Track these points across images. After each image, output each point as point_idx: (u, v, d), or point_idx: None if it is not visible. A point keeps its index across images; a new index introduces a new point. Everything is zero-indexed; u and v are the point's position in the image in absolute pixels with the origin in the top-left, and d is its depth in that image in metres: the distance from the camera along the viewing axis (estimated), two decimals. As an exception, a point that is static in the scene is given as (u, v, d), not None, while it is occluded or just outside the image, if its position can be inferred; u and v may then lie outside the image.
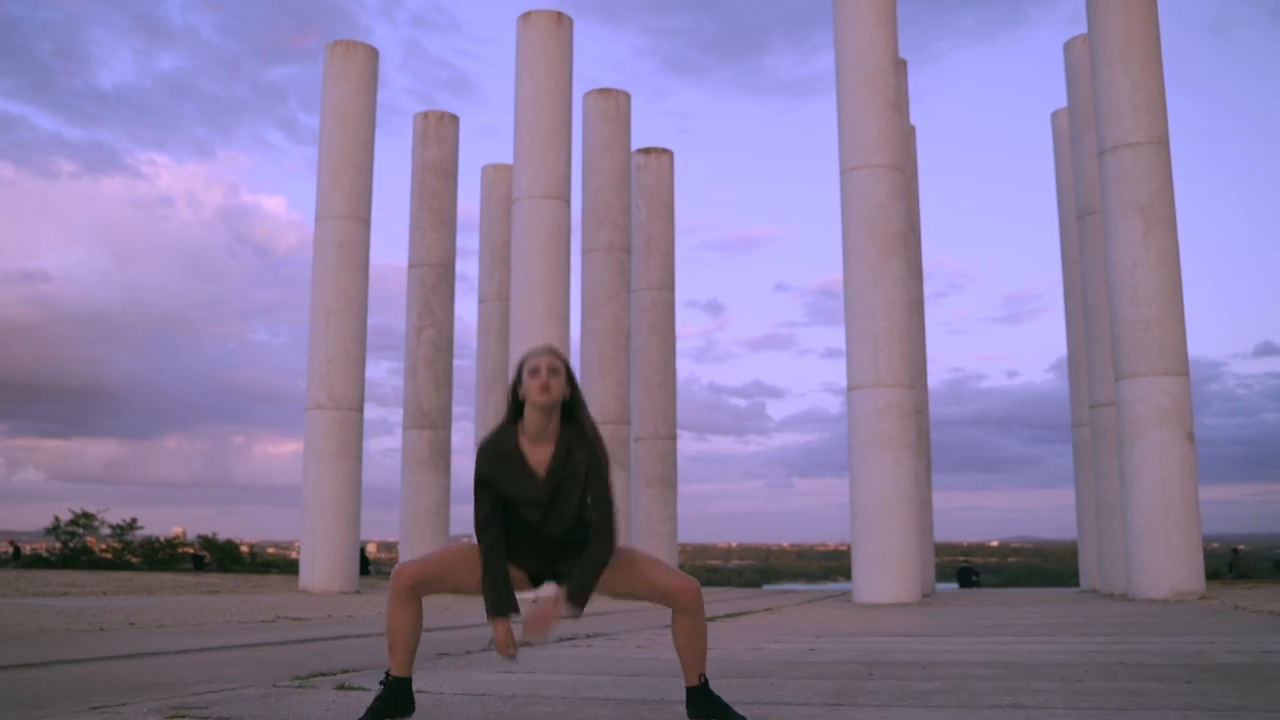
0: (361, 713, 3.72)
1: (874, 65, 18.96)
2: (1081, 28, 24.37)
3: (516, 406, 3.61)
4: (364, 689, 4.52)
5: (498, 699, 4.24)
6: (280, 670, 5.43)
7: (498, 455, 3.58)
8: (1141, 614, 12.13)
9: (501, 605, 3.53)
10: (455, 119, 28.09)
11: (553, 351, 3.64)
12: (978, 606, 15.60)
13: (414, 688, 4.30)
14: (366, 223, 22.15)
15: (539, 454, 3.58)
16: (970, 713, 3.69)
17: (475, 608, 14.40)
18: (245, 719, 3.68)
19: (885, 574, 17.25)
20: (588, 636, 8.44)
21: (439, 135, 27.55)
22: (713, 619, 11.87)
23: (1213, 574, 27.62)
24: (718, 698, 3.65)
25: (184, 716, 3.71)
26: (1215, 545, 34.79)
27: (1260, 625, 9.38)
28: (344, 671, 5.30)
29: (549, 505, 3.58)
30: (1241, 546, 33.66)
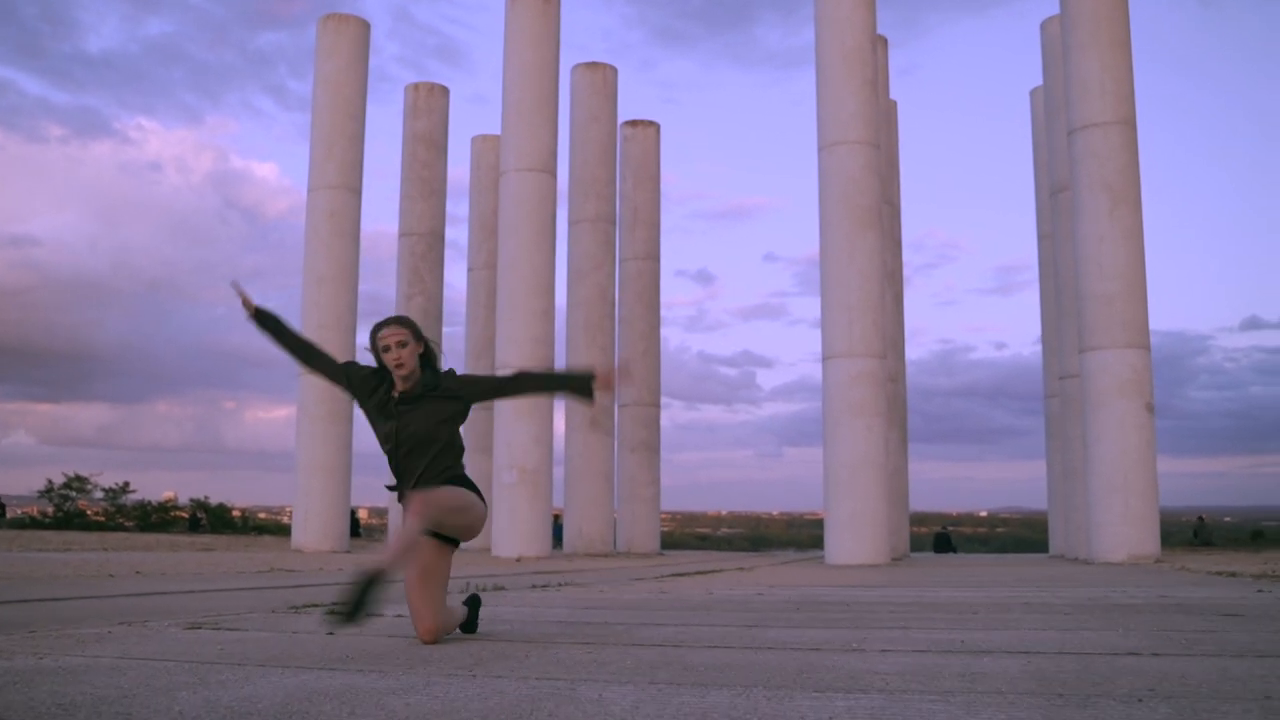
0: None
1: (852, 44, 19.53)
2: (1058, 6, 24.88)
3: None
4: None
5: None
6: (278, 604, 6.12)
7: (371, 379, 4.14)
8: (1088, 573, 12.89)
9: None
10: (445, 90, 28.60)
11: (399, 321, 4.08)
12: (939, 568, 16.38)
13: (395, 613, 5.00)
14: (357, 193, 22.71)
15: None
16: (856, 631, 4.38)
17: (456, 563, 14.86)
18: (251, 629, 4.36)
19: (855, 536, 18.01)
20: (559, 586, 9.15)
21: (429, 107, 28.07)
22: (682, 574, 12.60)
23: (1182, 542, 28.52)
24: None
25: (200, 627, 4.39)
26: (1203, 516, 35.63)
27: (1183, 581, 10.11)
28: (314, 606, 5.99)
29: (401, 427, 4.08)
30: (1208, 516, 34.51)
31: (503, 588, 8.25)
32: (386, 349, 4.00)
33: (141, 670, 3.03)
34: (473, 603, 4.45)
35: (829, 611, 5.68)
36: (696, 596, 7.31)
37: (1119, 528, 17.85)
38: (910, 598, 7.16)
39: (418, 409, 4.03)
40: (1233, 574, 11.81)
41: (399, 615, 5.17)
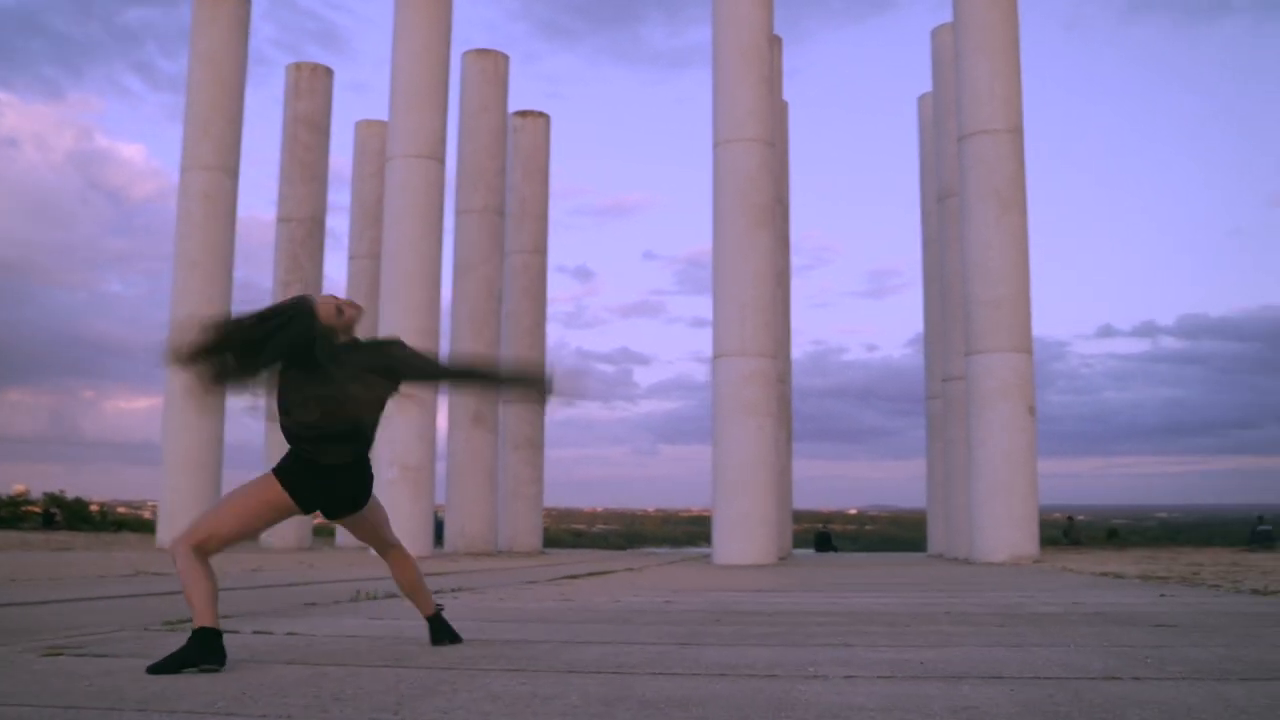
0: (233, 650, 3.89)
1: (749, 40, 19.40)
2: (947, 15, 25.29)
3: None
4: (236, 631, 4.69)
5: (368, 639, 4.47)
6: (149, 617, 5.54)
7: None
8: (978, 574, 12.93)
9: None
10: (329, 71, 27.61)
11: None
12: (828, 568, 16.33)
13: (286, 630, 4.51)
14: (235, 175, 21.69)
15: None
16: (801, 650, 4.07)
17: (336, 563, 14.09)
18: (123, 654, 3.83)
19: (744, 537, 17.87)
20: (453, 591, 8.67)
21: (312, 88, 27.05)
22: (575, 577, 12.21)
23: (1050, 540, 29.26)
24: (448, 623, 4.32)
25: (61, 653, 3.84)
26: (1056, 515, 36.69)
27: (1080, 584, 10.15)
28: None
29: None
30: (1079, 516, 35.58)
31: (394, 594, 7.74)
32: (340, 311, 3.82)
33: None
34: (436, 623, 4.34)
35: (754, 624, 5.37)
36: (604, 605, 6.94)
37: (1001, 529, 18.08)
38: (824, 606, 6.92)
39: (352, 367, 3.78)
40: (1118, 575, 11.96)
41: (290, 633, 4.68)
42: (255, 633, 4.66)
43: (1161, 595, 7.73)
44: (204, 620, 3.54)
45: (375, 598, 7.34)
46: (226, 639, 4.39)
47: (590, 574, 13.23)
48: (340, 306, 3.77)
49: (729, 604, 7.08)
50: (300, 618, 5.56)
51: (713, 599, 7.75)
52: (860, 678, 3.26)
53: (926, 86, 27.10)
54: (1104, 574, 12.56)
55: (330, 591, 8.11)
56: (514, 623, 5.44)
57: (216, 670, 3.38)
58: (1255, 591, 8.29)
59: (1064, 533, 30.12)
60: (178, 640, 4.29)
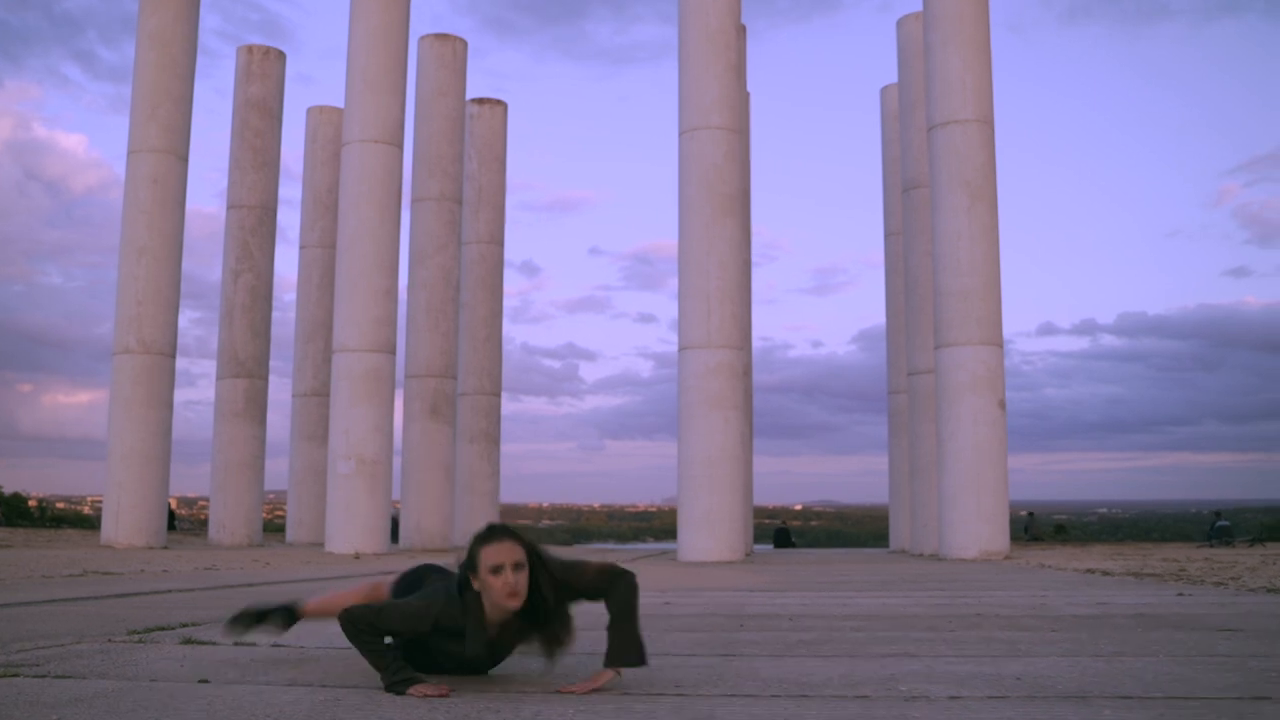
0: (217, 667, 3.38)
1: (716, 26, 18.97)
2: (910, 5, 25.07)
3: (465, 581, 3.15)
4: (213, 643, 4.16)
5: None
6: (110, 625, 4.97)
7: (450, 623, 3.17)
8: (960, 571, 12.61)
9: (410, 674, 3.10)
10: (282, 55, 26.79)
11: (514, 536, 3.15)
12: (800, 566, 15.95)
13: (270, 641, 4.03)
14: (184, 159, 20.86)
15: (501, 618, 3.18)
16: (866, 662, 3.64)
17: (291, 561, 13.42)
18: (90, 675, 3.29)
19: (711, 533, 17.46)
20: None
21: (263, 72, 26.21)
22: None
23: (1010, 536, 29.18)
24: None
25: (18, 673, 3.29)
26: (1032, 512, 36.82)
27: (1078, 582, 9.84)
28: (184, 626, 4.89)
29: (492, 661, 3.34)
30: (1033, 512, 35.67)
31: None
32: (499, 569, 3.07)
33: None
34: None
35: (784, 630, 4.93)
36: (599, 609, 6.47)
37: (971, 524, 17.84)
38: (839, 608, 6.50)
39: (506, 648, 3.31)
40: (1106, 573, 11.70)
41: (276, 645, 4.15)
42: (237, 645, 4.13)
43: (1180, 595, 7.41)
44: None
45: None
46: (204, 653, 3.86)
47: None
48: (513, 591, 3.06)
49: (735, 606, 6.63)
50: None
51: (711, 600, 7.30)
52: (967, 698, 2.82)
53: (881, 80, 26.93)
54: (1089, 571, 12.30)
55: (298, 592, 7.53)
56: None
57: None
58: (1270, 590, 8.01)
59: (1024, 529, 30.08)
60: (147, 653, 3.76)
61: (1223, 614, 5.60)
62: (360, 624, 3.18)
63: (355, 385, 19.38)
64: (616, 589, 3.18)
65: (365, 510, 19.00)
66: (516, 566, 3.04)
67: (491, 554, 3.06)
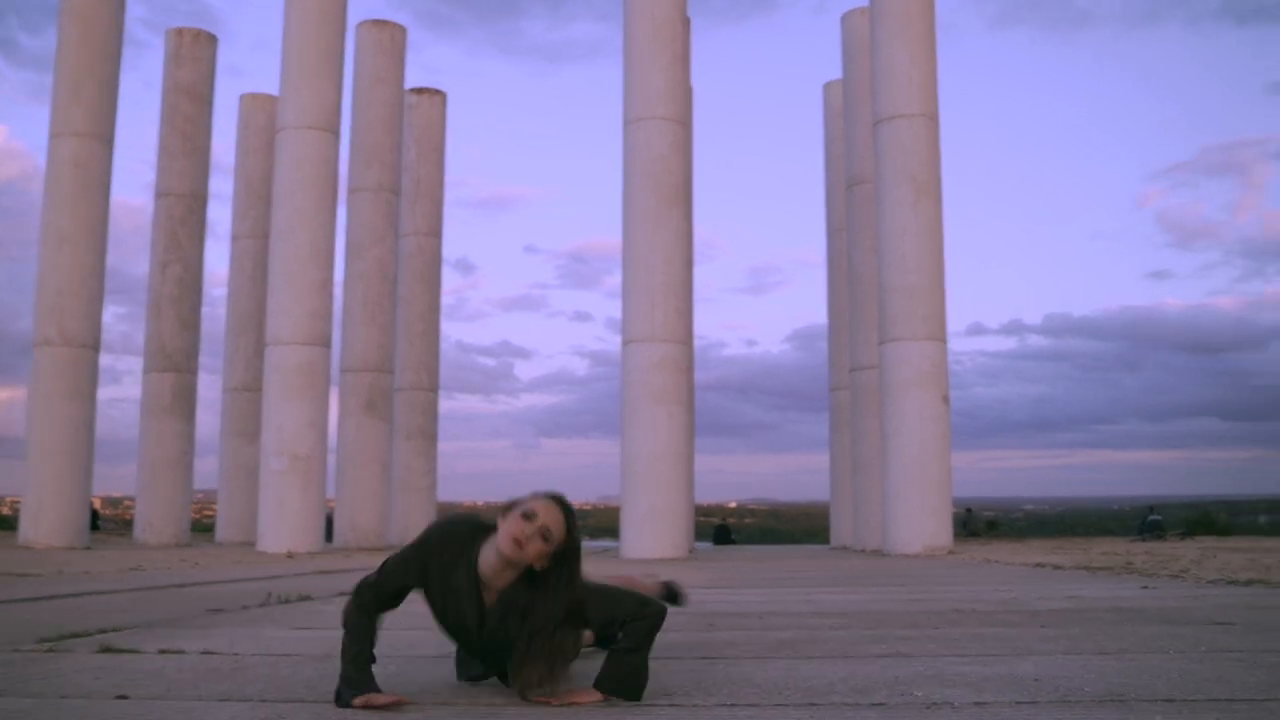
0: (138, 679, 2.99)
1: (663, 18, 18.68)
2: (850, 3, 24.97)
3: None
4: (137, 651, 3.75)
5: (309, 660, 3.58)
6: (16, 632, 4.52)
7: (448, 557, 2.86)
8: (910, 567, 12.44)
9: (364, 681, 2.75)
10: (213, 39, 25.99)
11: (563, 507, 2.89)
12: (745, 562, 15.72)
13: (201, 647, 3.63)
14: (109, 143, 20.07)
15: (498, 580, 2.86)
16: (862, 664, 3.35)
17: (222, 560, 12.87)
18: (9, 693, 2.88)
19: (655, 530, 17.16)
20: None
21: (194, 55, 25.40)
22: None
23: (947, 532, 29.29)
24: None
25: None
26: (970, 508, 37.05)
27: (1035, 577, 9.69)
28: (103, 632, 4.46)
29: (484, 630, 2.91)
30: (971, 508, 35.90)
31: (308, 596, 6.78)
32: (530, 515, 2.80)
33: None
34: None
35: (760, 630, 4.63)
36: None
37: (915, 520, 17.75)
38: (805, 605, 6.22)
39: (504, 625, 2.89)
40: (1057, 567, 11.61)
41: (206, 652, 3.75)
42: (162, 652, 3.72)
43: (1145, 588, 7.25)
44: None
45: (288, 601, 6.38)
46: (124, 662, 3.46)
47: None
48: (519, 539, 2.76)
49: (695, 604, 6.31)
50: (210, 629, 4.62)
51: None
52: (994, 704, 2.54)
53: (820, 78, 26.87)
54: (1038, 565, 12.20)
55: (233, 594, 7.10)
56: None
57: None
58: (1231, 582, 7.90)
59: (963, 524, 30.21)
60: (58, 664, 3.35)
61: (1200, 607, 5.41)
62: (358, 595, 2.87)
63: (288, 379, 18.79)
64: (642, 618, 2.81)
65: (298, 508, 18.43)
66: (544, 534, 2.76)
67: (536, 505, 2.82)
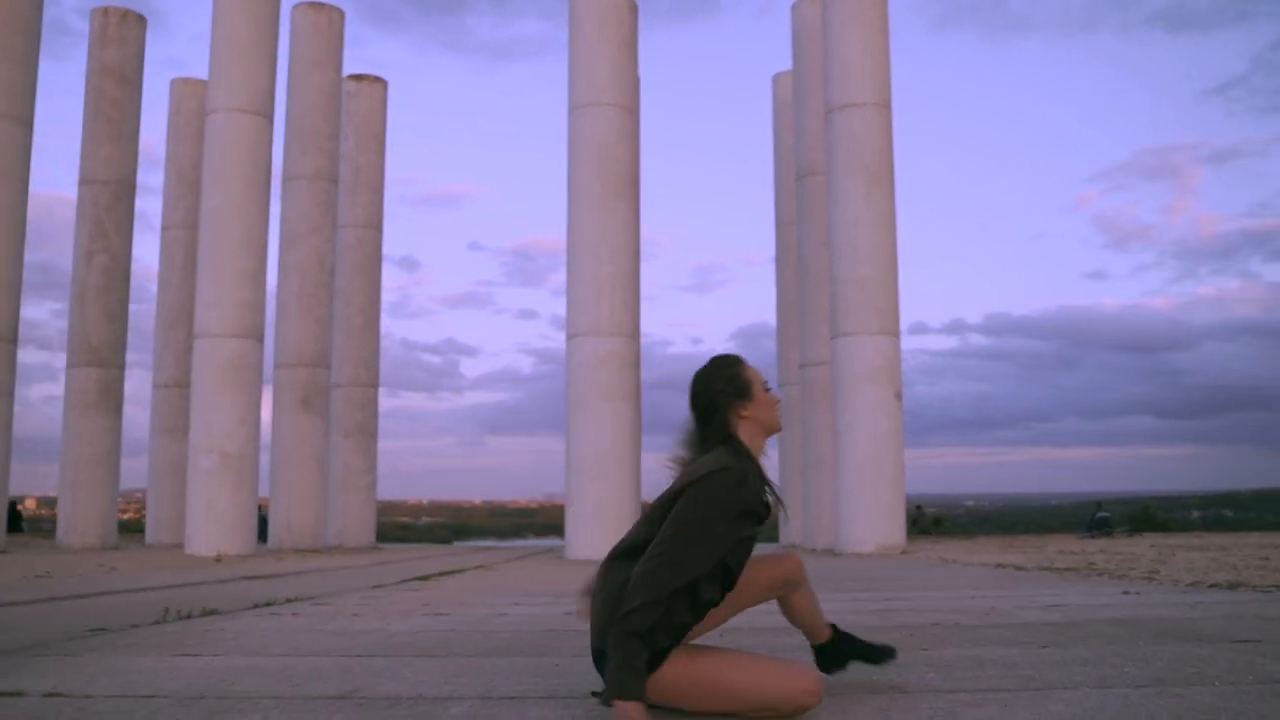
0: None
1: (610, 1, 18.09)
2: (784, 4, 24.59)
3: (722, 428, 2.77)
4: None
5: (176, 703, 2.93)
6: None
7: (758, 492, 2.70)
8: (868, 568, 11.94)
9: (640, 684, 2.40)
10: (142, 20, 24.95)
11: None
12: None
13: (47, 687, 2.98)
14: (28, 125, 19.01)
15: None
16: (848, 702, 2.78)
17: (143, 565, 12.03)
18: None
19: (601, 529, 16.58)
20: (289, 601, 7.05)
21: (121, 36, 24.36)
22: (426, 578, 10.68)
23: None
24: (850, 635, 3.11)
25: None
26: (920, 505, 36.84)
27: (1001, 580, 9.22)
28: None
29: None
30: (921, 506, 35.68)
31: (214, 611, 6.08)
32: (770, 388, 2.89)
33: None
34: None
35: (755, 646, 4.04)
36: (492, 621, 5.51)
37: (868, 518, 17.33)
38: (758, 613, 5.64)
39: None
40: (1019, 568, 11.18)
41: (51, 694, 3.09)
42: (3, 695, 3.05)
43: (1126, 593, 6.78)
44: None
45: (189, 617, 5.69)
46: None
47: (441, 573, 11.71)
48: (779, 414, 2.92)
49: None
50: (78, 656, 3.94)
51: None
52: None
53: (768, 71, 26.45)
54: (998, 565, 11.77)
55: (129, 607, 6.39)
56: (388, 658, 3.95)
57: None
58: (1213, 585, 7.46)
59: (913, 521, 29.87)
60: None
61: (1206, 618, 4.92)
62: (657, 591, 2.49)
63: (218, 374, 17.96)
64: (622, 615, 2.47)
65: (228, 509, 17.62)
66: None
67: (758, 375, 2.84)
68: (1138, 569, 10.38)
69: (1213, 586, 7.35)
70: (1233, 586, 7.18)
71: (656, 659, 2.50)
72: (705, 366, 2.86)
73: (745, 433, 2.78)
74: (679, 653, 2.55)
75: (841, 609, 6.09)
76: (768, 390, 2.83)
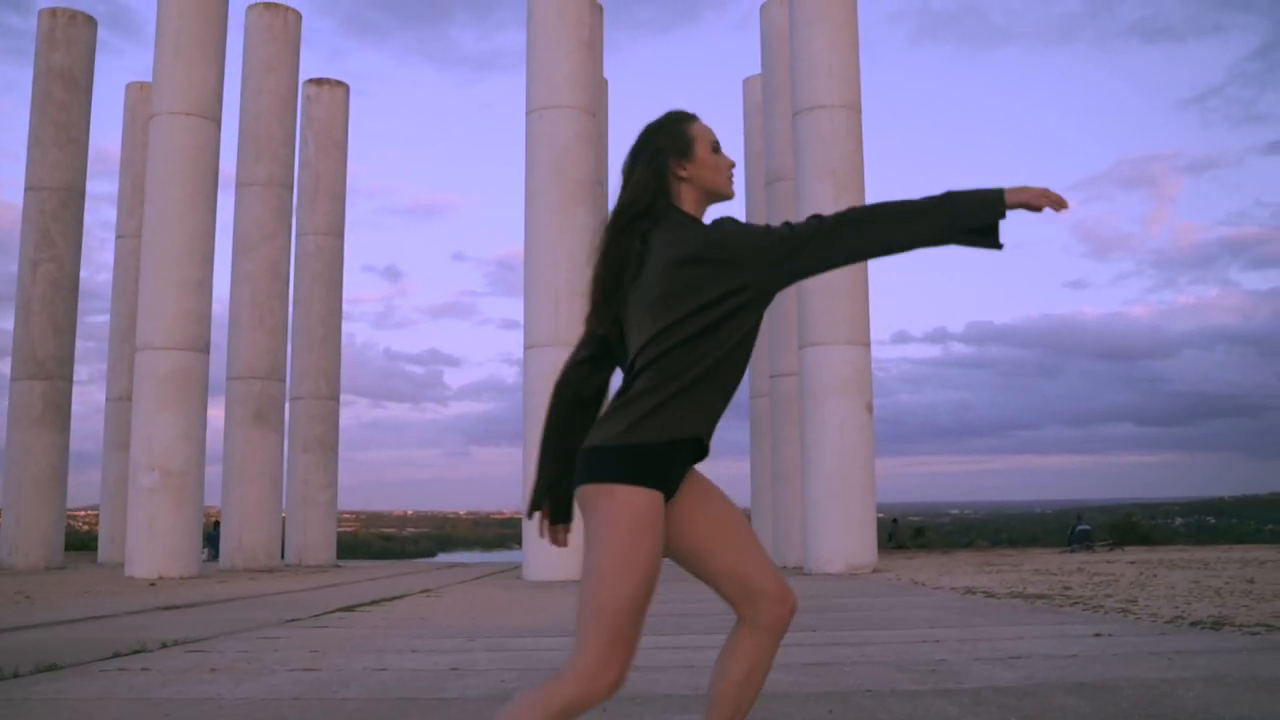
0: None
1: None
2: (744, 11, 23.98)
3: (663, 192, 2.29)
4: None
5: None
6: None
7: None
8: (830, 592, 11.24)
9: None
10: (91, 21, 24.14)
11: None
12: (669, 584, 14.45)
13: None
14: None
15: None
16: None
17: (64, 591, 10.97)
18: None
19: (560, 552, 15.83)
20: (162, 647, 6.29)
21: (69, 38, 23.54)
22: (352, 608, 9.95)
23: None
24: None
25: None
26: (895, 519, 36.32)
27: (962, 609, 8.55)
28: None
29: None
30: (897, 519, 35.11)
31: (54, 665, 5.28)
32: (718, 148, 2.39)
33: None
34: None
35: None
36: (362, 678, 4.79)
37: (837, 535, 16.63)
38: (681, 662, 4.96)
39: None
40: (989, 594, 10.51)
41: None
42: None
43: (1098, 635, 6.10)
44: None
45: (15, 676, 4.93)
46: None
47: (375, 601, 10.98)
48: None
49: (546, 663, 5.02)
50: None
51: (521, 653, 5.67)
52: None
53: (740, 73, 25.83)
54: (968, 591, 11.10)
55: (53, 644, 5.63)
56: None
57: None
58: (1194, 623, 6.79)
59: (889, 535, 29.27)
60: None
61: (1186, 680, 4.24)
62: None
63: (160, 387, 17.19)
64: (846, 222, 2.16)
65: (170, 529, 16.82)
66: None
67: (704, 130, 2.37)
68: (1115, 595, 9.73)
69: (1194, 624, 6.68)
70: (1217, 626, 6.51)
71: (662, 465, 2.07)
72: (655, 119, 2.41)
73: (687, 199, 2.32)
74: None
75: (780, 654, 5.40)
76: (717, 152, 2.35)
